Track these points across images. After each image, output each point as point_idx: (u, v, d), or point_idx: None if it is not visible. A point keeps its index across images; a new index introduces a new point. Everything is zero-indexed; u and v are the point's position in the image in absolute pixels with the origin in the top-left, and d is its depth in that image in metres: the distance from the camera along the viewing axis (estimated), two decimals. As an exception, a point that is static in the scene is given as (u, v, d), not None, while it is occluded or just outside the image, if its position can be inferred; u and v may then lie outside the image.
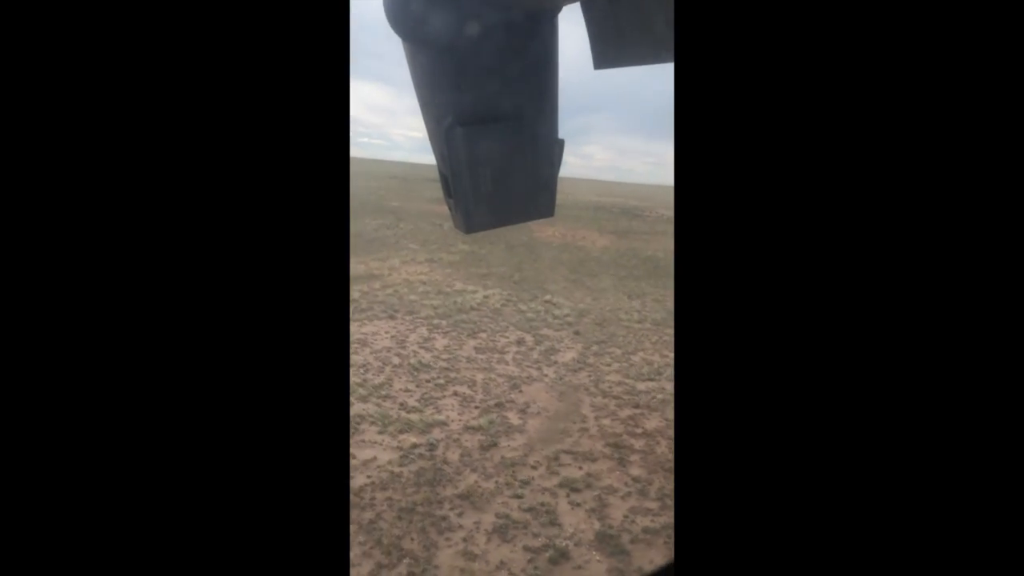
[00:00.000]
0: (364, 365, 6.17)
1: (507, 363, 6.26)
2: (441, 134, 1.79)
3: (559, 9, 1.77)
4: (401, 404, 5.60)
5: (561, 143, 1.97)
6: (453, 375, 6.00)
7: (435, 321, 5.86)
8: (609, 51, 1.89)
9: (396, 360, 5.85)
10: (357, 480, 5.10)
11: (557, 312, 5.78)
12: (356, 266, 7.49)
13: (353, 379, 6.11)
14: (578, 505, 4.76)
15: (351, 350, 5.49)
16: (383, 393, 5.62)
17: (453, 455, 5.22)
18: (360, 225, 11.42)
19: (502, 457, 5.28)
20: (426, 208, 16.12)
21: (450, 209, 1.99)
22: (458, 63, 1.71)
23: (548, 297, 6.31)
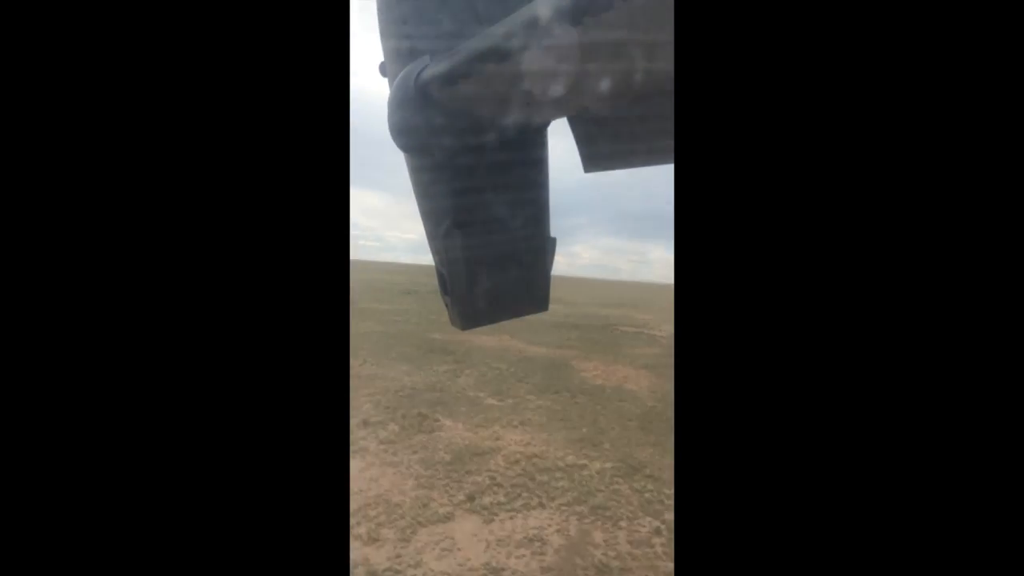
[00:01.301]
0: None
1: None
2: (440, 236, 1.94)
3: (548, 123, 1.96)
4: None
5: (553, 241, 2.11)
6: None
7: (575, 508, 6.45)
8: (596, 157, 2.06)
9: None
10: None
11: (668, 491, 6.62)
12: (464, 434, 8.29)
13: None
14: None
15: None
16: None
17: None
18: (429, 374, 12.26)
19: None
20: (467, 340, 17.02)
21: (446, 306, 2.09)
22: (455, 172, 1.87)
23: (648, 471, 7.18)
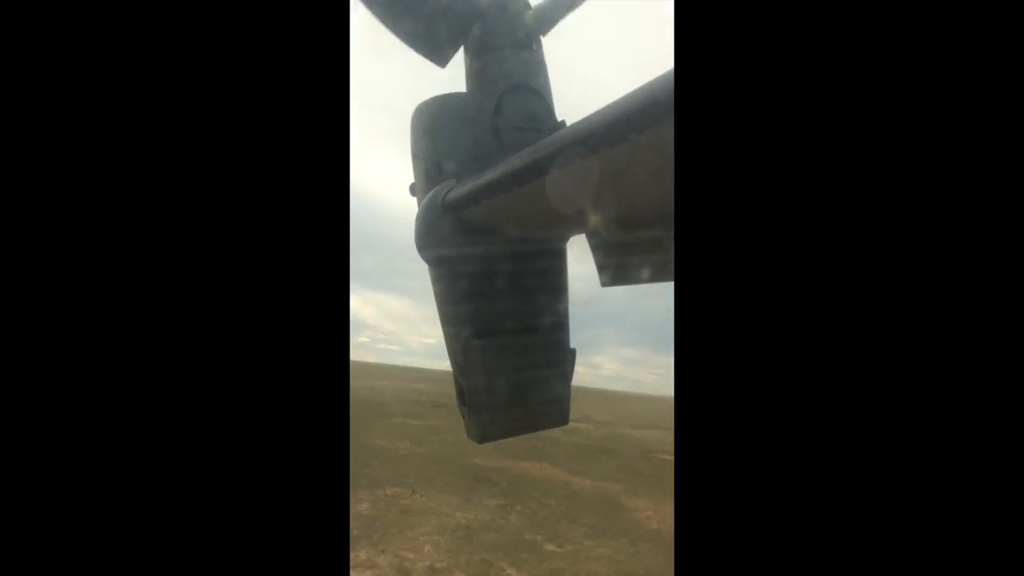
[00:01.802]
0: None
1: None
2: (459, 346, 1.93)
3: (567, 239, 2.01)
4: None
5: (573, 353, 2.08)
6: None
7: None
8: (613, 273, 2.05)
9: None
10: None
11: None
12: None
13: None
14: None
15: None
16: None
17: None
18: (480, 510, 12.00)
19: None
20: (507, 467, 16.68)
21: (463, 417, 2.03)
22: (476, 283, 1.90)
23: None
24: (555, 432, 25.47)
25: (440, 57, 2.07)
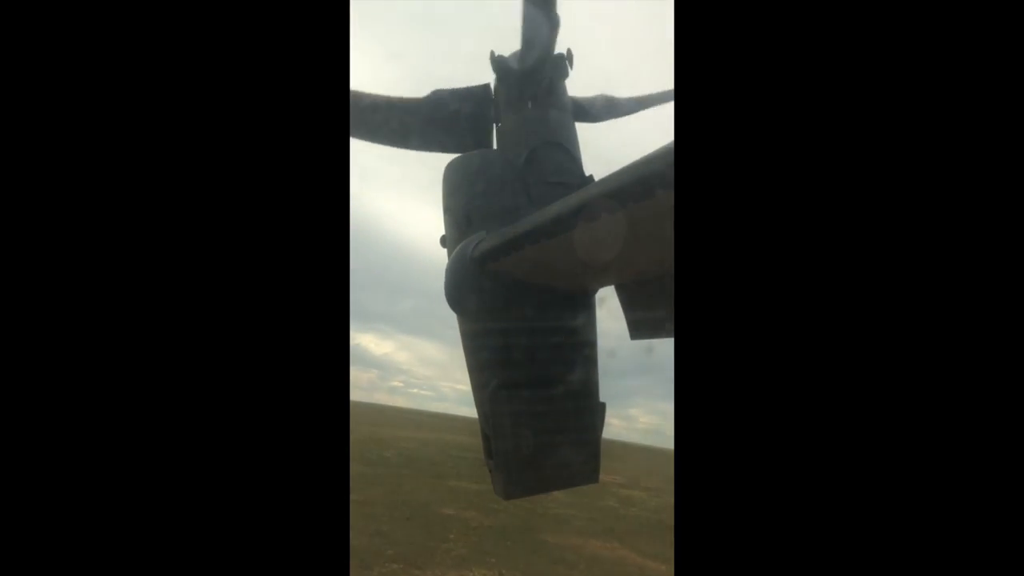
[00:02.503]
0: None
1: None
2: (486, 397, 1.92)
3: (595, 291, 1.99)
4: None
5: (603, 407, 2.04)
6: None
7: None
8: (640, 325, 2.03)
9: None
10: None
11: None
12: None
13: None
14: None
15: None
16: None
17: None
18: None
19: None
20: (577, 545, 16.45)
21: (490, 471, 2.01)
22: (504, 334, 1.90)
23: None
24: (611, 502, 24.75)
25: (482, 142, 2.21)
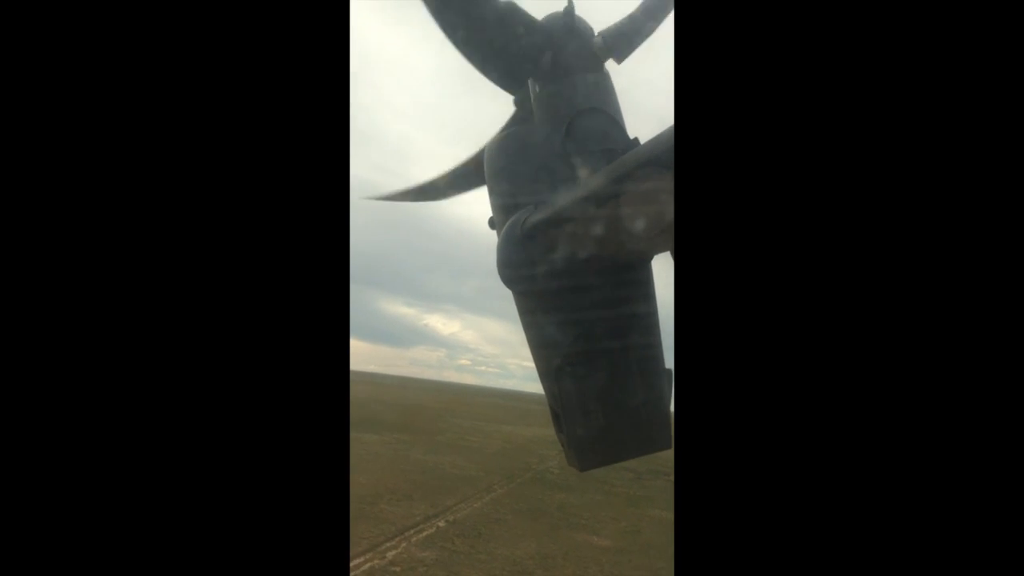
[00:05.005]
0: None
1: None
2: (551, 375, 1.89)
3: (651, 257, 1.92)
4: None
5: (669, 373, 1.98)
6: None
7: None
8: None
9: None
10: None
11: None
12: None
13: None
14: None
15: None
16: None
17: None
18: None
19: None
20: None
21: (562, 445, 1.97)
22: (562, 309, 1.85)
23: None
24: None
25: (514, 85, 2.09)
